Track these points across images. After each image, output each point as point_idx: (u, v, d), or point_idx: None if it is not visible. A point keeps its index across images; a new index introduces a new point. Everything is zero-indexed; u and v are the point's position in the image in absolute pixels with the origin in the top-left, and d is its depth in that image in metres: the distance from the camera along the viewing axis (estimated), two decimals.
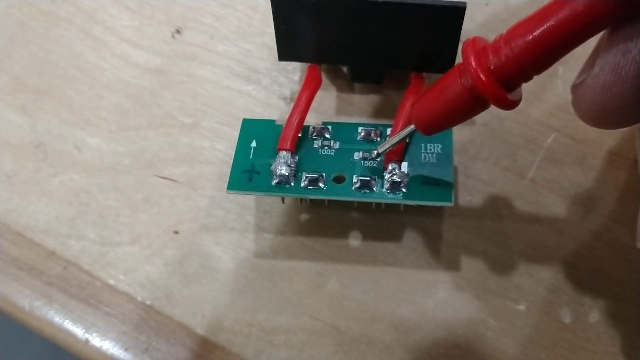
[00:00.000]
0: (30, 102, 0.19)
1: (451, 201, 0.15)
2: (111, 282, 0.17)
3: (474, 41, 0.12)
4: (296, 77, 0.19)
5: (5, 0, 0.21)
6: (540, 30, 0.11)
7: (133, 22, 0.20)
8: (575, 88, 0.12)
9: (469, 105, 0.12)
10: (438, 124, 0.13)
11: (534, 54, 0.11)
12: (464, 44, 0.12)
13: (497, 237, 0.17)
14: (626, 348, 0.15)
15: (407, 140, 0.16)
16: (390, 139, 0.15)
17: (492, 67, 0.11)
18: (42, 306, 0.17)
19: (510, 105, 0.12)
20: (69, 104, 0.19)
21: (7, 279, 0.17)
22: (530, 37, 0.11)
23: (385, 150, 0.15)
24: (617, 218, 0.17)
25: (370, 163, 0.16)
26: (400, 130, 0.15)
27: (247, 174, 0.16)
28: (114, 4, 0.20)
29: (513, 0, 0.19)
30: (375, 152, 0.15)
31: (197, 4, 0.20)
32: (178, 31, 0.20)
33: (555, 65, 0.11)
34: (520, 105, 0.18)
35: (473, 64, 0.11)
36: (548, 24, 0.10)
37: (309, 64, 0.17)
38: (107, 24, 0.20)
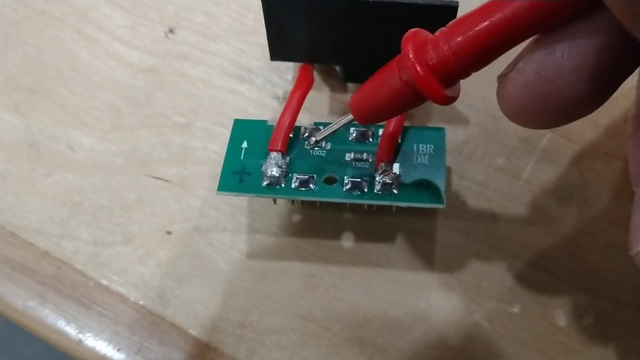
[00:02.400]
0: (24, 102, 0.19)
1: (443, 203, 0.15)
2: (104, 282, 0.17)
3: (414, 34, 0.12)
4: (289, 77, 0.19)
5: None
6: (479, 28, 0.10)
7: (126, 21, 0.20)
8: (500, 78, 0.12)
9: (406, 98, 0.12)
10: (375, 115, 0.13)
11: (472, 51, 0.11)
12: (404, 36, 0.12)
13: (491, 238, 0.16)
14: (621, 352, 0.15)
15: (399, 141, 0.16)
16: (328, 127, 0.15)
17: (430, 63, 0.11)
18: (36, 306, 0.17)
19: (446, 100, 0.12)
20: (63, 103, 0.19)
21: (1, 278, 0.17)
22: (469, 34, 0.11)
23: (323, 138, 0.15)
24: (613, 220, 0.16)
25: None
26: (338, 120, 0.14)
27: (237, 175, 0.16)
28: (108, 3, 0.20)
29: None
30: (313, 139, 0.15)
31: (190, 3, 0.20)
32: (171, 30, 0.20)
33: None
34: None
35: (411, 57, 0.11)
36: (487, 23, 0.10)
37: (302, 63, 0.17)
38: (100, 24, 0.20)
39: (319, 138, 0.15)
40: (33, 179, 0.18)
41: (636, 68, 0.11)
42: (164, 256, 0.17)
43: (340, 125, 0.14)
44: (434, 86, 0.11)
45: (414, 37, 0.12)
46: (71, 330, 0.17)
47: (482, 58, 0.11)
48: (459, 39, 0.11)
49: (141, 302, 0.17)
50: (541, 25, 0.10)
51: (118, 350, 0.16)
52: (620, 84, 0.11)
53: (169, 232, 0.17)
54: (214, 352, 0.16)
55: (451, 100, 0.12)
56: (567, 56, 0.10)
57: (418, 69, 0.11)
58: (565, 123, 0.11)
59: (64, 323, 0.17)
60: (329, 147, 0.16)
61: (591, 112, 0.11)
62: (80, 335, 0.17)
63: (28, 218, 0.18)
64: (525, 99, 0.11)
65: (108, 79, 0.19)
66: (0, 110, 0.19)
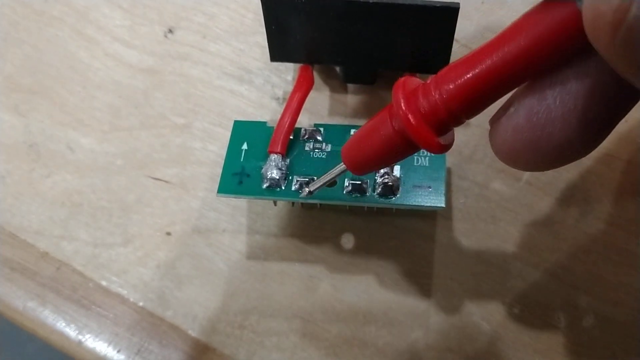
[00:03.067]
0: (23, 102, 0.19)
1: (443, 204, 0.15)
2: (104, 283, 0.17)
3: (404, 82, 0.12)
4: (289, 77, 0.19)
5: None
6: (469, 75, 0.10)
7: (125, 21, 0.20)
8: (492, 122, 0.12)
9: (399, 148, 0.12)
10: (368, 165, 0.13)
11: (464, 99, 0.11)
12: (394, 85, 0.12)
13: (491, 239, 0.16)
14: (621, 353, 0.15)
15: None
16: (321, 178, 0.14)
17: (422, 111, 0.11)
18: (36, 307, 0.17)
19: (440, 149, 0.11)
20: (62, 104, 0.19)
21: (1, 279, 0.17)
22: (460, 81, 0.10)
23: (317, 188, 0.15)
24: (613, 220, 0.16)
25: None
26: (331, 170, 0.14)
27: (237, 177, 0.15)
28: (107, 3, 0.20)
29: None
30: (307, 190, 0.15)
31: (189, 3, 0.20)
32: (170, 30, 0.20)
33: None
34: None
35: (403, 106, 0.11)
36: (477, 70, 0.10)
37: (302, 64, 0.17)
38: (99, 24, 0.20)
39: (312, 189, 0.15)
40: (32, 179, 0.18)
41: (626, 113, 0.11)
42: (163, 257, 0.17)
43: (333, 175, 0.14)
44: (427, 135, 0.11)
45: (404, 85, 0.11)
46: (71, 331, 0.17)
47: (473, 105, 0.11)
48: (449, 87, 0.11)
49: (141, 303, 0.17)
50: (531, 73, 0.10)
51: (118, 351, 0.16)
52: (613, 128, 0.11)
53: (168, 233, 0.17)
54: (213, 353, 0.16)
55: (445, 148, 0.11)
56: (558, 102, 0.10)
57: (410, 117, 0.11)
58: (558, 166, 0.11)
59: (63, 324, 0.17)
60: (329, 149, 0.16)
61: (584, 155, 0.11)
62: (80, 336, 0.17)
63: (28, 219, 0.18)
64: (517, 144, 0.11)
65: (107, 79, 0.19)
66: (0, 110, 0.19)
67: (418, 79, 0.12)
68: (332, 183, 0.15)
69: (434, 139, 0.11)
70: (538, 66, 0.10)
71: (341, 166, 0.13)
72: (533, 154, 0.11)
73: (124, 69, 0.19)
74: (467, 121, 0.16)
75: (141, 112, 0.19)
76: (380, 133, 0.12)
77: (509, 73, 0.10)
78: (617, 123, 0.11)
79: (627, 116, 0.17)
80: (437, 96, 0.11)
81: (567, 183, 0.17)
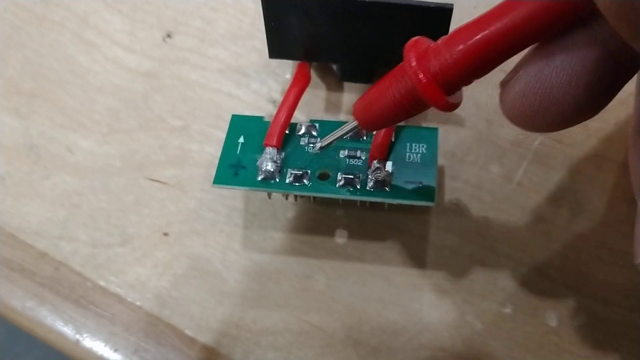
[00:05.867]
0: (24, 105, 0.19)
1: (433, 201, 0.15)
2: (102, 283, 0.17)
3: (416, 42, 0.12)
4: (286, 80, 0.19)
5: (0, 5, 0.21)
6: (479, 36, 0.11)
7: (125, 26, 0.20)
8: (502, 85, 0.12)
9: (409, 106, 0.12)
10: (378, 122, 0.13)
11: (473, 59, 0.11)
12: (406, 45, 0.12)
13: (484, 240, 0.17)
14: (612, 351, 0.15)
15: (393, 140, 0.16)
16: (333, 133, 0.15)
17: (432, 70, 0.11)
18: (34, 307, 0.17)
19: (449, 107, 0.12)
20: (62, 107, 0.19)
21: (0, 279, 0.17)
22: (470, 42, 0.11)
23: (328, 144, 0.15)
24: (604, 221, 0.17)
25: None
26: (342, 126, 0.15)
27: (233, 169, 0.16)
28: (107, 8, 0.20)
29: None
30: (319, 144, 0.15)
31: (188, 8, 0.20)
32: (169, 35, 0.20)
33: None
34: None
35: (413, 65, 0.11)
36: (487, 32, 0.11)
37: (299, 61, 0.17)
38: (99, 28, 0.20)
39: (323, 144, 0.15)
40: (32, 181, 0.18)
41: (633, 75, 0.11)
42: (161, 257, 0.17)
43: (344, 131, 0.14)
44: (436, 93, 0.11)
45: (415, 45, 0.12)
46: (69, 331, 0.17)
47: (482, 66, 0.11)
48: (460, 47, 0.11)
49: (138, 303, 0.17)
50: (540, 34, 0.11)
51: (115, 350, 0.17)
52: (619, 91, 0.11)
53: (166, 234, 0.17)
54: (210, 353, 0.16)
55: (453, 107, 0.12)
56: (566, 65, 0.11)
57: (420, 76, 0.11)
58: (565, 128, 0.12)
59: (61, 324, 0.17)
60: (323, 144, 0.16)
61: (590, 117, 0.12)
62: (77, 336, 0.17)
63: (27, 219, 0.18)
64: (526, 106, 0.11)
65: (107, 82, 0.19)
66: (1, 113, 0.19)
67: (429, 40, 0.12)
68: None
69: (442, 97, 0.11)
70: (546, 28, 0.10)
71: (353, 122, 0.14)
72: (541, 116, 0.11)
73: (124, 72, 0.20)
74: (465, 122, 0.17)
75: (140, 115, 0.19)
76: (391, 91, 0.12)
77: (518, 34, 0.10)
78: (622, 86, 0.11)
79: (617, 117, 0.18)
80: (447, 56, 0.11)
81: (558, 184, 0.17)
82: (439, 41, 0.12)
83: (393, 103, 0.12)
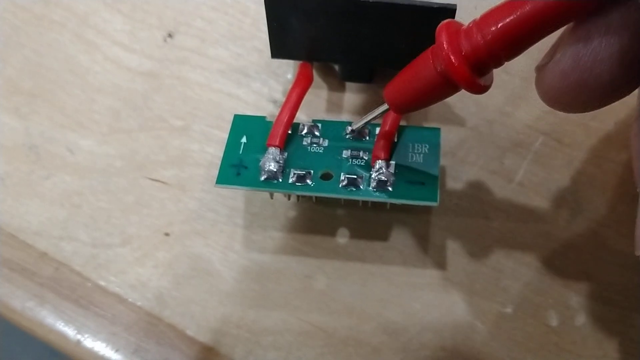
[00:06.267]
0: (23, 105, 0.19)
1: (436, 201, 0.15)
2: (102, 283, 0.17)
3: (448, 25, 0.12)
4: (287, 80, 0.19)
5: None
6: (511, 17, 0.11)
7: (125, 26, 0.20)
8: (538, 69, 0.12)
9: (440, 88, 0.12)
10: (410, 105, 0.13)
11: (505, 40, 0.11)
12: (438, 27, 0.12)
13: (484, 240, 0.17)
14: (612, 351, 0.15)
15: (395, 140, 0.16)
16: (365, 117, 0.15)
17: (464, 52, 0.11)
18: (34, 307, 0.17)
19: (480, 89, 0.12)
20: (62, 106, 0.19)
21: (0, 279, 0.17)
22: (502, 24, 0.11)
23: (360, 126, 0.16)
24: (604, 221, 0.17)
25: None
26: (374, 109, 0.15)
27: (235, 169, 0.16)
28: (107, 8, 0.20)
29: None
30: (350, 128, 0.16)
31: (188, 8, 0.20)
32: (170, 35, 0.20)
33: None
34: (508, 109, 0.18)
35: (445, 47, 0.12)
36: (520, 12, 0.11)
37: (301, 61, 0.17)
38: (99, 28, 0.20)
39: (355, 127, 0.16)
40: (32, 181, 0.18)
41: None
42: (161, 257, 0.17)
43: (376, 114, 0.15)
44: (468, 75, 0.11)
45: (447, 28, 0.12)
46: (69, 331, 0.17)
47: (514, 47, 0.11)
48: (492, 29, 0.11)
49: (139, 303, 0.17)
50: (573, 14, 0.11)
51: (116, 350, 0.17)
52: None
53: (166, 234, 0.17)
54: (210, 352, 0.16)
55: (485, 89, 0.12)
56: (604, 45, 0.11)
57: (452, 58, 0.11)
58: (603, 106, 0.12)
59: (62, 324, 0.17)
60: (326, 144, 0.16)
61: (628, 94, 0.12)
62: (78, 336, 0.17)
63: (27, 220, 0.18)
64: (564, 88, 0.11)
65: (107, 82, 0.19)
66: (0, 113, 0.19)
67: (460, 22, 0.12)
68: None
69: (474, 79, 0.12)
70: (580, 7, 0.10)
71: (384, 106, 0.14)
72: (580, 96, 0.11)
73: (124, 72, 0.20)
74: (466, 122, 0.17)
75: (140, 115, 0.19)
76: (422, 73, 0.12)
77: (550, 14, 0.10)
78: None
79: (617, 117, 0.18)
80: (479, 38, 0.11)
81: (558, 184, 0.17)
82: (471, 23, 0.12)
83: (424, 86, 0.12)
